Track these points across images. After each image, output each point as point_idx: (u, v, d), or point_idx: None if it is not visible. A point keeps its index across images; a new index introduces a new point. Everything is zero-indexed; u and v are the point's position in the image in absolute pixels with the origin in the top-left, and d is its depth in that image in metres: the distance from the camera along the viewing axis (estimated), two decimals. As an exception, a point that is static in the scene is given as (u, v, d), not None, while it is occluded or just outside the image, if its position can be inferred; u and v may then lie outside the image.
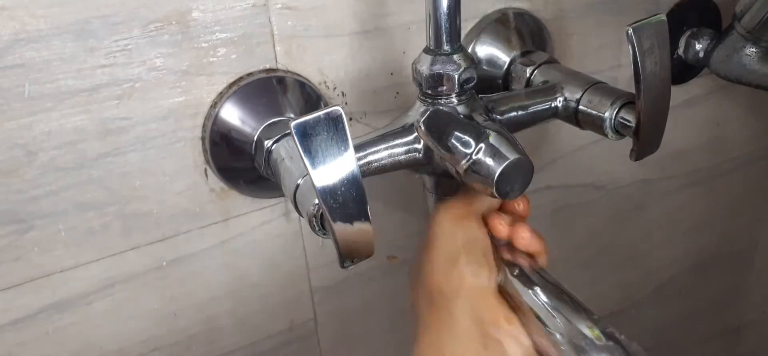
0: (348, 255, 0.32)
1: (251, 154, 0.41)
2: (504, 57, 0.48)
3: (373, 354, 0.57)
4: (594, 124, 0.40)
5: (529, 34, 0.49)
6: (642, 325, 0.75)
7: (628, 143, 0.40)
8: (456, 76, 0.36)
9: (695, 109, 0.64)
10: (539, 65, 0.46)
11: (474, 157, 0.33)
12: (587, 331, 0.32)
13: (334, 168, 0.29)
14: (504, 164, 0.32)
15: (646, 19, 0.35)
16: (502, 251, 0.38)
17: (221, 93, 0.41)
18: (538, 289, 0.35)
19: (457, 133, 0.35)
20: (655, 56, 0.35)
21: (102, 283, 0.43)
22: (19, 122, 0.37)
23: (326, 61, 0.44)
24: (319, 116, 0.28)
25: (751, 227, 0.78)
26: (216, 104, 0.41)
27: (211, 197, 0.44)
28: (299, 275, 0.50)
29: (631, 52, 0.35)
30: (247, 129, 0.41)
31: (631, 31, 0.34)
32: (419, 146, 0.37)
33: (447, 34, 0.36)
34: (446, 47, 0.36)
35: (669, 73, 0.37)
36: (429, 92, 0.37)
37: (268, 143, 0.40)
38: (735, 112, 0.67)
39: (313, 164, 0.28)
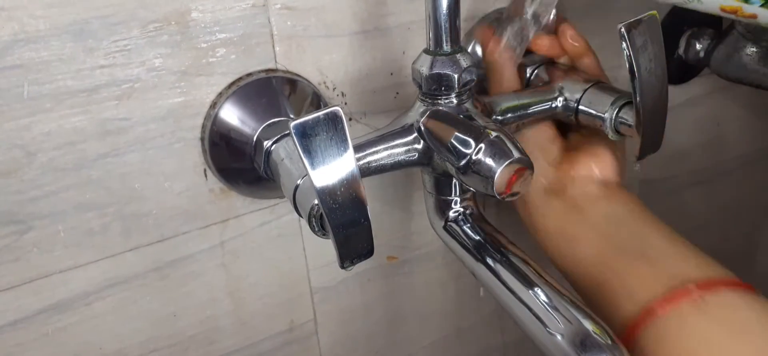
0: (348, 256, 0.32)
1: (251, 154, 0.41)
2: (504, 57, 0.47)
3: (373, 354, 0.57)
4: (594, 124, 0.40)
5: (529, 34, 0.49)
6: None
7: (628, 143, 0.40)
8: (456, 77, 0.36)
9: (696, 109, 0.64)
10: (539, 65, 0.46)
11: (474, 157, 0.33)
12: (587, 331, 0.32)
13: (334, 169, 0.29)
14: (504, 164, 0.32)
15: (638, 16, 0.35)
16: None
17: (221, 93, 0.41)
18: (538, 289, 0.35)
19: (456, 133, 0.34)
20: (649, 53, 0.36)
21: (101, 284, 0.43)
22: (18, 122, 0.37)
23: (326, 61, 0.44)
24: (318, 117, 0.28)
25: (751, 227, 0.78)
26: (215, 105, 0.41)
27: (211, 197, 0.44)
28: (299, 275, 0.50)
29: (624, 49, 0.35)
30: (247, 130, 0.41)
31: (623, 29, 0.34)
32: (419, 146, 0.37)
33: (447, 34, 0.36)
34: (446, 48, 0.36)
35: (665, 70, 0.37)
36: (429, 92, 0.37)
37: (267, 144, 0.39)
38: (735, 112, 0.67)
39: (312, 165, 0.28)
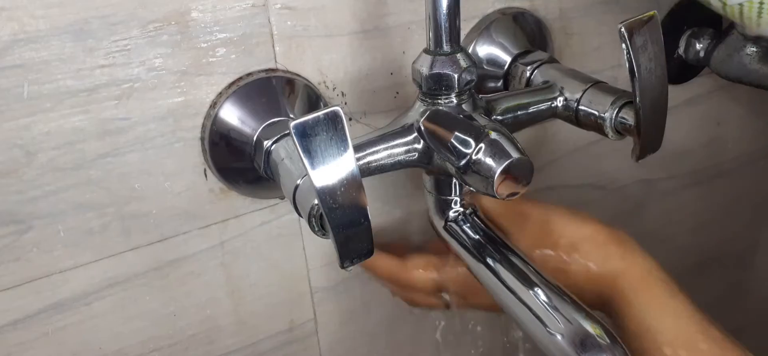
0: (347, 256, 0.32)
1: (251, 154, 0.41)
2: (504, 57, 0.47)
3: (373, 354, 0.57)
4: (594, 124, 0.40)
5: (529, 33, 0.49)
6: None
7: (628, 142, 0.40)
8: (456, 77, 0.36)
9: (696, 108, 0.64)
10: (539, 65, 0.46)
11: (474, 157, 0.33)
12: (587, 331, 0.32)
13: (334, 168, 0.29)
14: (504, 164, 0.32)
15: (637, 15, 0.35)
16: None
17: (220, 93, 0.41)
18: (538, 289, 0.35)
19: (456, 133, 0.34)
20: (649, 53, 0.35)
21: (101, 284, 0.43)
22: (18, 122, 0.37)
23: (326, 61, 0.44)
24: (318, 116, 0.28)
25: (751, 227, 0.78)
26: (215, 104, 0.41)
27: (211, 197, 0.44)
28: (299, 275, 0.50)
29: (624, 49, 0.35)
30: (247, 129, 0.41)
31: (622, 28, 0.34)
32: (419, 146, 0.37)
33: (447, 34, 0.36)
34: (446, 47, 0.36)
35: (664, 70, 0.37)
36: (429, 92, 0.37)
37: (267, 144, 0.39)
38: (736, 112, 0.67)
39: (312, 165, 0.28)
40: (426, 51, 0.37)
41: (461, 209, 0.41)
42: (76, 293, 0.42)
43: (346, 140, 0.29)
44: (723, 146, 0.68)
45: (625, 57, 0.35)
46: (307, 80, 0.43)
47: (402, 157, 0.37)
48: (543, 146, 0.56)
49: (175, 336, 0.47)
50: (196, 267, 0.46)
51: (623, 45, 0.35)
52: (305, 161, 0.28)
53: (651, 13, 0.35)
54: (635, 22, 0.35)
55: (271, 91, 0.42)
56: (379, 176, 0.37)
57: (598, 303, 0.41)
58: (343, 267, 0.32)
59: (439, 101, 0.37)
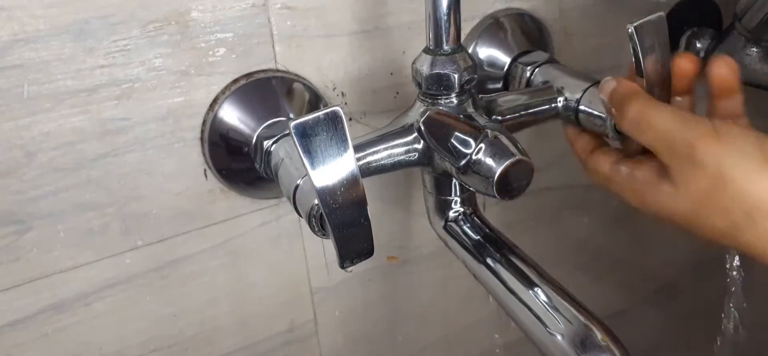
0: (348, 256, 0.32)
1: (250, 154, 0.41)
2: (504, 57, 0.47)
3: (373, 354, 0.57)
4: (595, 124, 0.40)
5: (529, 34, 0.49)
6: (643, 326, 0.75)
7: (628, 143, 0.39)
8: (456, 77, 0.36)
9: (696, 109, 0.64)
10: (539, 65, 0.46)
11: (474, 157, 0.33)
12: (587, 331, 0.32)
13: (334, 169, 0.29)
14: (504, 165, 0.32)
15: (646, 17, 0.35)
16: None
17: (220, 93, 0.41)
18: (538, 290, 0.35)
19: (456, 133, 0.34)
20: (656, 54, 0.36)
21: (101, 284, 0.43)
22: (18, 122, 0.37)
23: (326, 61, 0.44)
24: (318, 116, 0.28)
25: (751, 227, 0.78)
26: (215, 105, 0.41)
27: (211, 197, 0.44)
28: (299, 275, 0.50)
29: (632, 50, 0.35)
30: (247, 129, 0.41)
31: (631, 29, 0.34)
32: (419, 146, 0.37)
33: (447, 34, 0.36)
34: (446, 47, 0.36)
35: (669, 71, 0.37)
36: (429, 92, 0.37)
37: (267, 144, 0.39)
38: (735, 112, 0.67)
39: (312, 165, 0.28)
40: (426, 51, 0.37)
41: (461, 210, 0.41)
42: (76, 293, 0.42)
43: (347, 140, 0.29)
44: (723, 146, 0.68)
45: (633, 57, 0.35)
46: (307, 80, 0.43)
47: (402, 157, 0.37)
48: (543, 146, 0.56)
49: (176, 337, 0.47)
50: (196, 268, 0.46)
51: (631, 46, 0.35)
52: (305, 161, 0.28)
53: (659, 14, 0.35)
54: (644, 23, 0.35)
55: (270, 91, 0.42)
56: (379, 176, 0.37)
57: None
58: (343, 268, 0.32)
59: (439, 101, 0.37)
